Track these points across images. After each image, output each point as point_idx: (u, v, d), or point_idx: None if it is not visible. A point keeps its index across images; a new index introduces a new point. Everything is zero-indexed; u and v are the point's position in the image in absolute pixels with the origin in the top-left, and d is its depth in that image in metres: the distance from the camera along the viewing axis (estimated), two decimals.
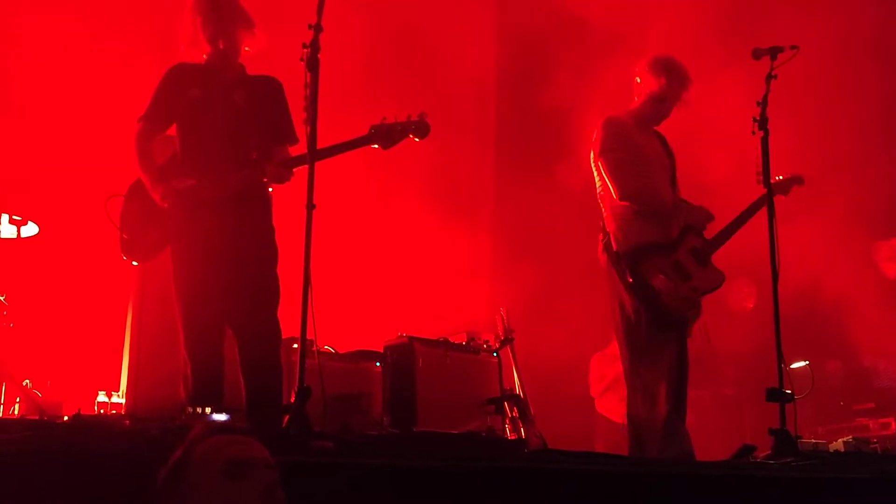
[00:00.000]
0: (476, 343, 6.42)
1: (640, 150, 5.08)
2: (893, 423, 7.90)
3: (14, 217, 6.07)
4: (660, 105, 5.17)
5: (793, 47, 4.71)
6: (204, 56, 4.60)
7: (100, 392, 5.87)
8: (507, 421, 6.14)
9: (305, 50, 4.03)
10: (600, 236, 5.13)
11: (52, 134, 6.66)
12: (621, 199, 4.99)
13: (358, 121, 4.41)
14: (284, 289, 4.44)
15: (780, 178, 5.26)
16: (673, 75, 5.11)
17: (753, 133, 4.69)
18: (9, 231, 6.13)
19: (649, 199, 5.00)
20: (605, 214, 5.12)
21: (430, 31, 7.67)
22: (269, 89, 4.63)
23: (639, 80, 5.20)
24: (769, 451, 4.33)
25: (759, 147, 4.70)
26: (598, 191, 5.17)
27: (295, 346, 5.79)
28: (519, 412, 6.15)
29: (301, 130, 4.30)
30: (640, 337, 4.90)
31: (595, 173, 5.15)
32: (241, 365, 4.29)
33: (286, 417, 3.76)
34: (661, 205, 5.02)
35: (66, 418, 5.45)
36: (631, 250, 4.93)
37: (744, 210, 5.13)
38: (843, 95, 7.26)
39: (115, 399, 5.79)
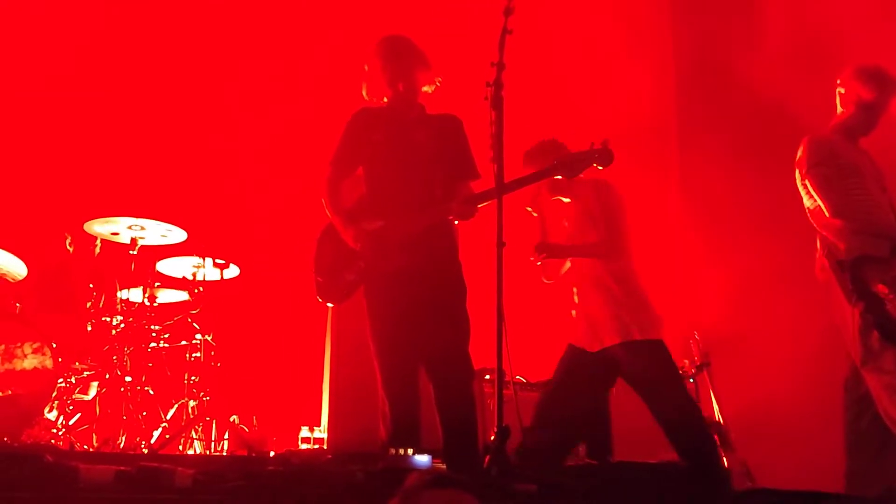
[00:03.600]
0: None
1: (849, 163, 4.85)
2: None
3: (217, 261, 6.40)
4: (867, 113, 4.93)
5: None
6: (385, 99, 4.70)
7: (303, 427, 6.08)
8: None
9: (489, 88, 4.03)
10: (816, 254, 4.93)
11: (249, 180, 6.99)
12: (833, 216, 4.77)
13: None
14: (474, 322, 4.45)
15: None
16: (880, 81, 4.89)
17: None
18: (213, 274, 6.47)
19: (862, 216, 4.76)
20: (819, 232, 4.92)
21: (605, 55, 7.58)
22: (450, 127, 4.68)
23: (843, 91, 4.97)
24: None
25: None
26: (808, 208, 4.97)
27: (487, 377, 5.84)
28: (720, 440, 5.92)
29: (485, 167, 4.31)
30: (873, 343, 4.69)
31: (803, 192, 4.97)
32: (436, 403, 4.32)
33: (486, 457, 3.74)
34: (874, 223, 4.76)
35: (272, 454, 5.69)
36: (851, 259, 4.73)
37: None
38: None
39: (317, 434, 5.99)
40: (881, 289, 4.59)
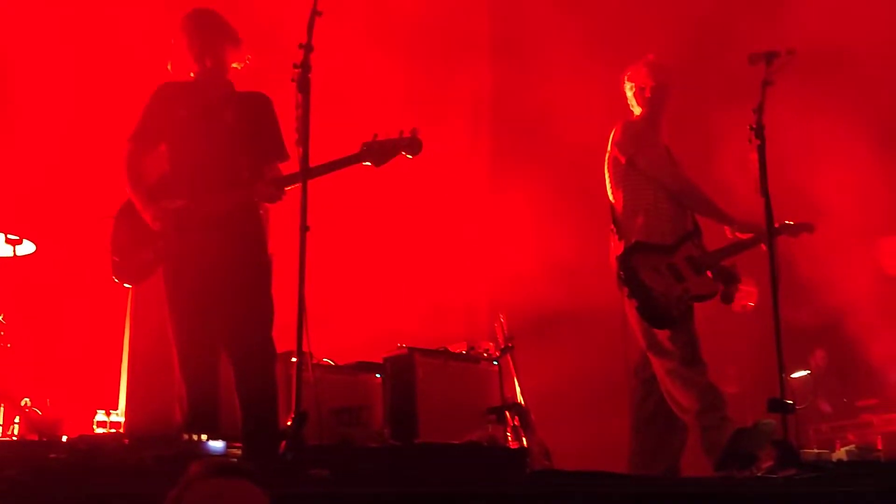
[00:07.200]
0: (476, 352, 6.39)
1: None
2: None
3: (10, 236, 6.04)
4: (658, 100, 5.29)
5: (789, 52, 4.66)
6: (192, 74, 4.56)
7: (98, 410, 5.85)
8: (509, 430, 6.10)
9: (296, 70, 3.99)
10: (612, 241, 5.24)
11: (47, 152, 6.63)
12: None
13: (351, 137, 4.37)
14: (285, 306, 4.39)
15: (790, 222, 5.31)
16: (665, 73, 5.25)
17: (750, 141, 4.65)
18: (5, 250, 6.12)
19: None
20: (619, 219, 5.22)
21: (423, 44, 7.63)
22: (259, 106, 4.59)
23: (636, 87, 5.29)
24: (772, 463, 4.31)
25: (756, 156, 4.65)
26: (609, 191, 5.27)
27: (293, 359, 5.79)
28: (520, 421, 6.10)
29: (292, 149, 4.26)
30: (653, 332, 5.00)
31: (607, 175, 5.28)
32: (236, 387, 4.26)
33: (283, 442, 3.73)
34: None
35: (64, 438, 5.44)
36: (627, 247, 5.02)
37: (743, 240, 5.19)
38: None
39: (114, 417, 5.78)
40: (649, 277, 4.89)
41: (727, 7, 7.67)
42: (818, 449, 5.12)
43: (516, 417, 6.15)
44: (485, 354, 6.41)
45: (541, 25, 7.90)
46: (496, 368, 6.38)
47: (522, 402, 6.32)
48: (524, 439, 6.09)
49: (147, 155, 4.55)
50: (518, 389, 6.38)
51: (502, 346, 6.45)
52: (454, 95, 7.98)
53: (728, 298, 5.10)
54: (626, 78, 5.36)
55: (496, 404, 6.16)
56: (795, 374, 6.43)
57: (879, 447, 7.46)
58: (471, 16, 8.32)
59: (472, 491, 3.38)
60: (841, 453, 4.75)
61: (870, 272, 7.58)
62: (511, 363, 6.43)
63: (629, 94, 5.35)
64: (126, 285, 4.80)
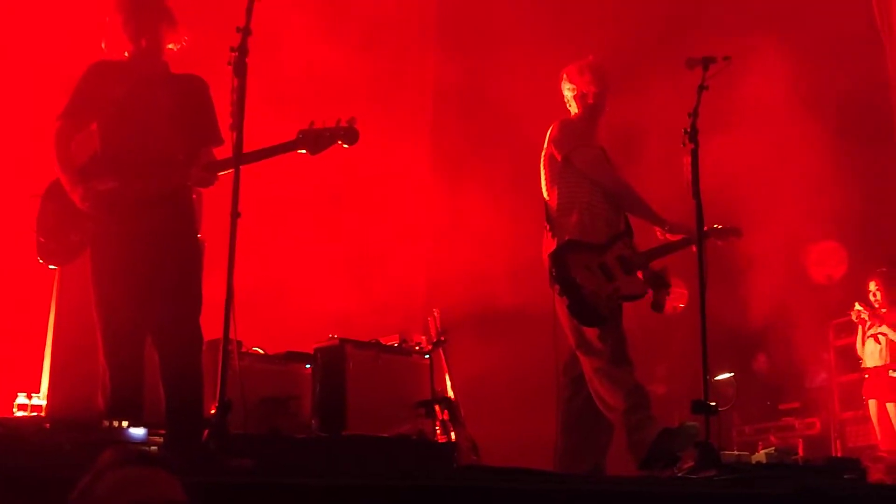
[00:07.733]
0: (408, 345, 6.38)
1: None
2: (818, 423, 8.09)
3: None
4: (597, 104, 5.34)
5: (725, 58, 4.71)
6: (126, 54, 4.47)
7: (20, 393, 5.70)
8: (438, 424, 6.12)
9: (233, 53, 3.93)
10: (545, 238, 5.27)
11: None
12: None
13: (289, 124, 4.32)
14: (215, 292, 4.32)
15: (719, 226, 5.40)
16: (607, 77, 5.29)
17: (684, 145, 4.70)
18: None
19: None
20: (554, 216, 5.25)
21: (367, 33, 7.59)
22: (194, 88, 4.51)
23: (577, 90, 5.33)
24: (693, 464, 4.37)
25: (689, 159, 4.70)
26: (544, 188, 5.31)
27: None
28: (450, 415, 6.13)
29: (227, 133, 4.20)
30: (583, 331, 5.05)
31: (543, 172, 5.31)
32: (160, 374, 4.18)
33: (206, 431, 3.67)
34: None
35: None
36: (560, 244, 5.06)
37: (673, 241, 5.26)
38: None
39: (35, 401, 5.64)
40: (580, 275, 4.94)
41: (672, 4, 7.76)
42: (739, 451, 5.19)
43: (446, 412, 6.18)
44: (417, 348, 6.41)
45: (487, 17, 7.91)
46: (427, 362, 6.38)
47: (453, 397, 6.35)
48: (453, 434, 6.12)
49: (77, 133, 4.44)
50: (449, 384, 6.41)
51: (434, 340, 6.47)
52: (398, 86, 7.95)
53: (659, 307, 5.16)
54: (565, 78, 5.38)
55: (426, 398, 6.17)
56: (719, 377, 6.53)
57: (800, 450, 7.67)
58: (417, 5, 8.29)
59: (399, 484, 3.36)
60: (760, 456, 4.83)
61: (797, 278, 7.75)
62: (443, 357, 6.46)
63: (568, 94, 5.38)
64: (52, 267, 4.70)
